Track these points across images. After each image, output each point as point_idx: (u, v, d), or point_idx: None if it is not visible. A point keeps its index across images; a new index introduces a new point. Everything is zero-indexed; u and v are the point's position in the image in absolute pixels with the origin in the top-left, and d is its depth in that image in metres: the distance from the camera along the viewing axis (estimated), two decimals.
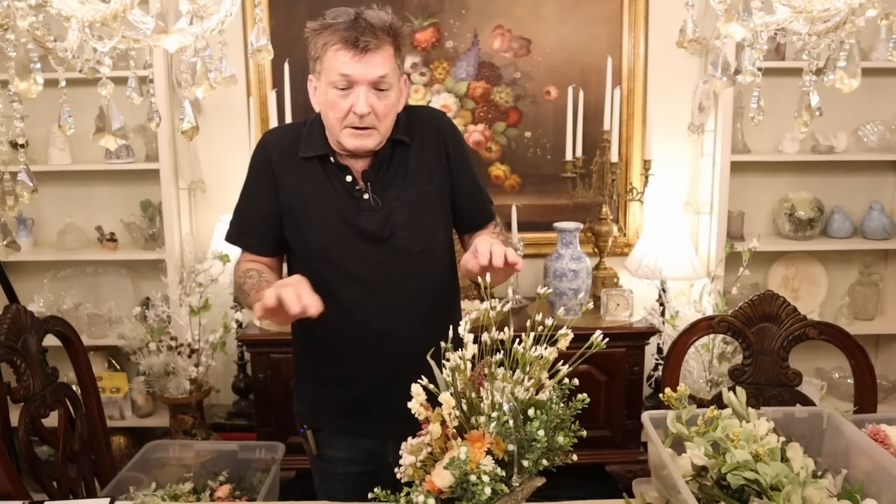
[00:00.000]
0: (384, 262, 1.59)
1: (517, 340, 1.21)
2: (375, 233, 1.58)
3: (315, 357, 1.70)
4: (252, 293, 1.55)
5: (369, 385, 1.63)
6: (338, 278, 1.59)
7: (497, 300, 1.24)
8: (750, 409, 1.33)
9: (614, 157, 2.86)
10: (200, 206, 3.08)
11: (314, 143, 1.60)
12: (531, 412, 1.14)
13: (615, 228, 2.98)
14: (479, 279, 1.33)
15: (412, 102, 3.00)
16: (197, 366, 2.78)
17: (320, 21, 1.50)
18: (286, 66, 2.82)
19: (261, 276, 1.60)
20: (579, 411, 1.18)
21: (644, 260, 2.84)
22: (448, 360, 1.19)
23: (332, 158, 1.59)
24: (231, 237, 1.70)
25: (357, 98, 1.47)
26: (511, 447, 1.10)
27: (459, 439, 1.14)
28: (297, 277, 1.41)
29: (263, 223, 1.64)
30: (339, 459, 1.70)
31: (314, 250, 1.61)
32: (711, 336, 2.30)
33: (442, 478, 1.09)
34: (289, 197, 1.61)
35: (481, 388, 1.18)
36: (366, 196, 1.58)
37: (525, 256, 2.99)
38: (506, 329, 1.21)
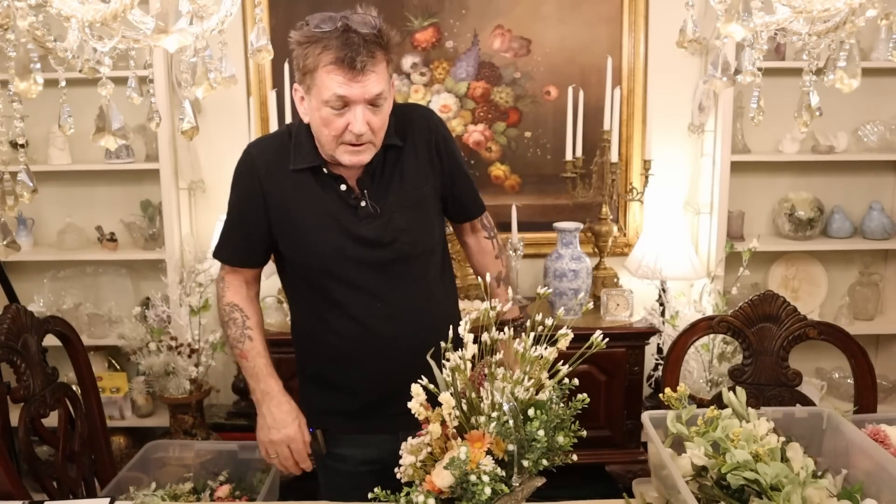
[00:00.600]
0: (387, 268, 1.59)
1: (517, 340, 1.21)
2: (376, 239, 1.57)
3: (323, 364, 1.68)
4: (243, 364, 1.66)
5: (380, 389, 1.62)
6: (342, 288, 1.59)
7: (497, 300, 1.24)
8: (750, 409, 1.33)
9: (614, 157, 2.86)
10: (200, 206, 3.08)
11: (304, 155, 1.57)
12: (531, 412, 1.14)
13: (615, 228, 2.98)
14: (480, 278, 1.34)
15: (409, 100, 3.00)
16: (197, 366, 2.78)
17: (304, 31, 1.44)
18: (286, 66, 2.82)
19: (244, 326, 1.64)
20: (579, 411, 1.18)
21: (644, 260, 2.84)
22: (448, 360, 1.20)
23: (324, 169, 1.56)
24: (216, 253, 1.69)
25: (354, 117, 1.44)
26: (511, 447, 1.10)
27: (459, 439, 1.14)
28: (294, 431, 1.63)
29: (250, 237, 1.63)
30: (349, 457, 1.69)
31: (314, 262, 1.59)
32: (711, 336, 2.30)
33: (442, 478, 1.09)
34: (281, 210, 1.58)
35: (481, 388, 1.18)
36: (363, 203, 1.56)
37: (525, 256, 2.99)
38: (506, 329, 1.21)
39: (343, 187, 1.57)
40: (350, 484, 1.66)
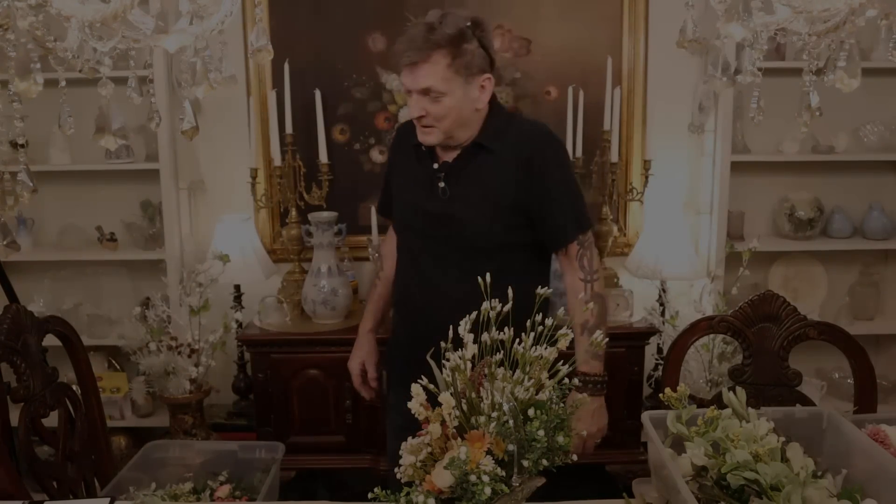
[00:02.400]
0: (438, 248, 1.78)
1: (517, 340, 1.21)
2: (436, 219, 1.77)
3: (394, 309, 1.99)
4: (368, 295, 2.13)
5: (408, 351, 1.75)
6: (405, 251, 1.88)
7: (497, 300, 1.24)
8: (750, 409, 1.33)
9: (614, 157, 2.86)
10: (200, 206, 3.08)
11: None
12: (531, 412, 1.14)
13: (615, 228, 2.98)
14: (480, 279, 1.34)
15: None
16: (197, 366, 2.78)
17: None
18: (286, 66, 2.82)
19: (376, 274, 2.08)
20: None
21: (644, 260, 2.84)
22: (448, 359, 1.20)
23: (423, 147, 1.78)
24: (377, 208, 2.11)
25: (411, 103, 1.69)
26: (511, 447, 1.10)
27: (459, 439, 1.14)
28: (353, 364, 2.06)
29: (387, 191, 1.98)
30: (394, 406, 1.91)
31: (396, 222, 1.95)
32: (711, 336, 2.30)
33: (442, 478, 1.09)
34: (395, 174, 1.92)
35: (481, 388, 1.18)
36: (441, 185, 1.76)
37: None
38: (506, 329, 1.21)
39: (435, 165, 1.78)
40: (392, 431, 1.95)
